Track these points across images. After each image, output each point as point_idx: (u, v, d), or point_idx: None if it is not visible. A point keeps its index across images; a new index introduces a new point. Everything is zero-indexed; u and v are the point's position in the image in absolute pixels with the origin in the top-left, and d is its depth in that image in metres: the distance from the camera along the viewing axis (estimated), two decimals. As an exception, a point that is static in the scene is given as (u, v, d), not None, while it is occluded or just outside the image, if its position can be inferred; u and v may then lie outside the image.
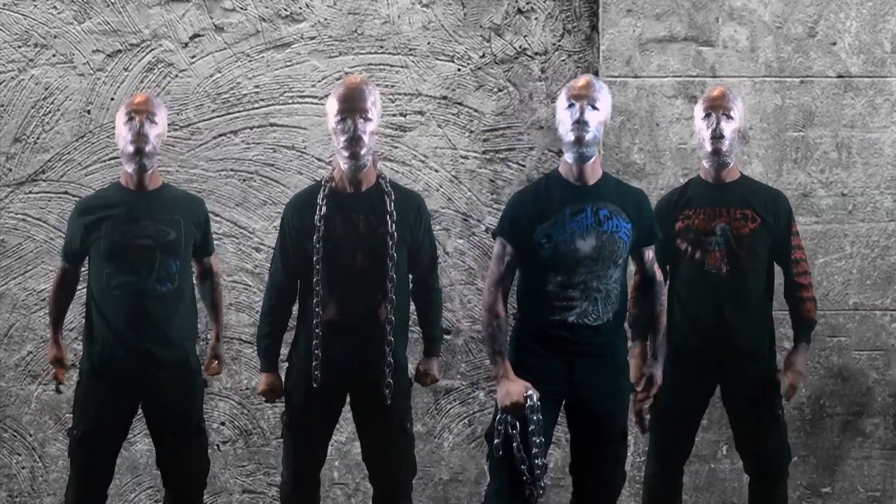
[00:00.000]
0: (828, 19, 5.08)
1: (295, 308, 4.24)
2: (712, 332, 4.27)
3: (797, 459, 5.10)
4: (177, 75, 5.26)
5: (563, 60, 5.27)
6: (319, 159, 5.25)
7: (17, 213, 5.28)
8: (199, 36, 5.27)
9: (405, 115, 5.28)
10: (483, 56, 5.27)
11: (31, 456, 5.30)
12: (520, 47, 5.27)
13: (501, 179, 5.27)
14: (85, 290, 4.29)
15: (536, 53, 5.27)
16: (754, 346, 4.31)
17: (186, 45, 5.26)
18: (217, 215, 5.19)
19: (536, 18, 5.26)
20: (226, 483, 5.31)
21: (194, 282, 4.37)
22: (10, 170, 5.27)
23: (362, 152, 4.03)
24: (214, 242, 4.63)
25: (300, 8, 5.26)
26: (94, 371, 4.17)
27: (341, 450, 5.23)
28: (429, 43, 5.27)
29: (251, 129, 5.28)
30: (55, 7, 5.25)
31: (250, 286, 5.24)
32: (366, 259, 4.06)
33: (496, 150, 5.28)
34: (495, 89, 5.28)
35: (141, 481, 5.29)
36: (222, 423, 5.30)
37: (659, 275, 4.06)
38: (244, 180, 5.29)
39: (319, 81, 5.26)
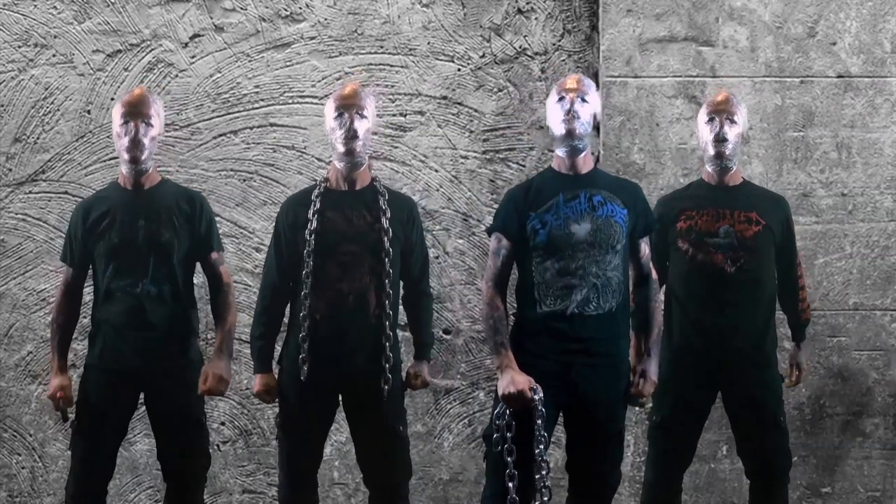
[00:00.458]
0: (828, 19, 5.08)
1: (288, 308, 4.24)
2: (714, 334, 4.26)
3: (797, 459, 5.09)
4: (177, 75, 5.26)
5: (563, 60, 5.27)
6: (319, 159, 5.25)
7: (17, 213, 5.28)
8: (199, 36, 5.27)
9: (405, 115, 5.28)
10: (483, 56, 5.27)
11: (31, 456, 5.30)
12: (520, 47, 5.27)
13: (501, 179, 5.27)
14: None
15: (536, 53, 5.27)
16: (756, 349, 4.31)
17: (186, 45, 5.26)
18: (217, 215, 5.15)
19: (536, 18, 5.26)
20: (226, 483, 5.31)
21: (203, 286, 4.37)
22: (10, 170, 5.27)
23: (358, 148, 4.08)
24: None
25: (300, 8, 5.26)
26: (97, 366, 4.19)
27: (341, 450, 5.23)
28: (429, 43, 5.27)
29: (251, 129, 5.28)
30: (55, 7, 5.25)
31: (250, 286, 5.24)
32: (361, 253, 4.08)
33: (496, 150, 5.28)
34: (495, 89, 5.28)
35: (141, 481, 5.29)
36: (222, 423, 5.30)
37: (654, 273, 4.03)
38: (244, 180, 5.29)
39: (319, 81, 5.26)
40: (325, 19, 5.27)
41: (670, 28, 5.10)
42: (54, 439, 5.28)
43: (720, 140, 4.26)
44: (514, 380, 3.72)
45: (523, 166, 5.26)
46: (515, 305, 3.97)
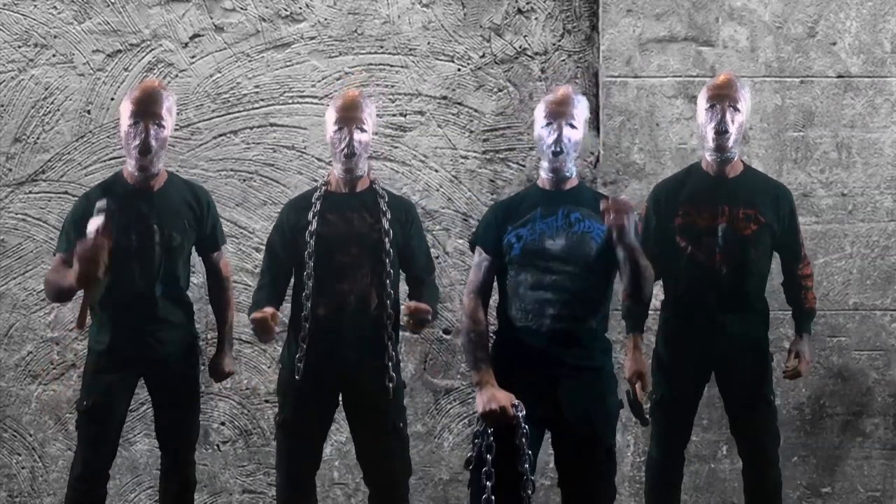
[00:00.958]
0: (828, 19, 5.08)
1: (289, 306, 4.25)
2: (708, 329, 4.27)
3: (797, 459, 5.10)
4: (177, 75, 5.26)
5: (563, 60, 5.27)
6: (319, 159, 5.25)
7: (17, 213, 5.28)
8: (199, 36, 5.27)
9: (405, 115, 5.28)
10: (483, 56, 5.27)
11: (31, 456, 5.30)
12: (520, 47, 5.27)
13: (501, 179, 5.27)
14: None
15: (536, 53, 5.27)
16: (750, 340, 4.32)
17: (186, 45, 5.26)
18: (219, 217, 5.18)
19: (536, 18, 5.26)
20: (226, 483, 5.31)
21: (203, 286, 4.39)
22: (10, 170, 5.27)
23: (358, 163, 4.14)
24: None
25: (300, 8, 5.26)
26: (104, 350, 4.20)
27: (341, 450, 5.23)
28: (429, 43, 5.27)
29: (251, 129, 5.28)
30: (55, 7, 5.25)
31: (250, 286, 5.23)
32: (361, 254, 4.10)
33: (496, 150, 5.28)
34: (495, 89, 5.28)
35: (141, 481, 5.29)
36: (222, 423, 5.30)
37: (644, 259, 3.74)
38: (244, 180, 5.29)
39: (319, 81, 5.26)
40: (325, 19, 5.27)
41: (670, 28, 5.10)
42: (54, 439, 5.28)
43: (721, 132, 4.17)
44: (494, 396, 3.63)
45: (523, 166, 5.26)
46: (496, 321, 3.91)
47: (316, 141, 5.25)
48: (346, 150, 4.08)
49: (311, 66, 5.27)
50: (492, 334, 3.87)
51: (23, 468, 5.31)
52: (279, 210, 4.33)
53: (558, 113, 3.78)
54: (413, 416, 5.00)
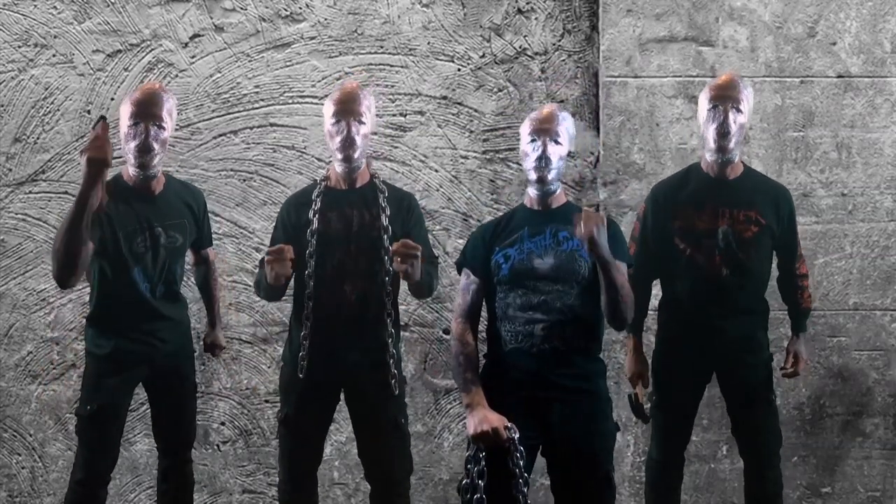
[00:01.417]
0: (828, 19, 5.08)
1: (288, 306, 4.26)
2: (708, 332, 4.27)
3: (797, 459, 5.10)
4: (177, 75, 5.26)
5: (563, 60, 5.27)
6: (319, 159, 5.25)
7: (17, 213, 5.28)
8: (199, 36, 5.27)
9: (405, 115, 5.28)
10: (483, 56, 5.27)
11: (31, 456, 5.30)
12: (520, 47, 5.27)
13: (501, 179, 5.27)
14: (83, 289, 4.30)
15: (536, 53, 5.27)
16: (750, 339, 4.32)
17: (186, 45, 5.26)
18: (217, 215, 5.19)
19: (536, 18, 5.26)
20: (226, 483, 5.31)
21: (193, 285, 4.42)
22: (10, 170, 5.27)
23: (355, 155, 4.11)
24: (215, 243, 4.65)
25: (300, 8, 5.26)
26: (105, 355, 4.20)
27: (341, 450, 5.23)
28: (429, 43, 5.27)
29: (251, 129, 5.28)
30: (55, 7, 5.25)
31: (250, 286, 5.24)
32: (362, 252, 4.11)
33: (496, 150, 5.28)
34: (495, 89, 5.27)
35: (141, 481, 5.29)
36: (222, 423, 5.30)
37: (622, 276, 3.69)
38: (244, 180, 5.29)
39: (319, 81, 5.26)
40: (325, 19, 5.27)
41: (670, 28, 5.10)
42: (54, 439, 5.28)
43: (723, 134, 4.16)
44: (486, 418, 3.55)
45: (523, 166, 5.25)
46: (486, 343, 3.86)
47: (316, 141, 5.25)
48: (343, 141, 4.07)
49: (311, 66, 5.27)
50: (482, 357, 3.81)
51: (23, 468, 5.31)
52: (279, 210, 4.33)
53: (542, 130, 3.78)
54: (413, 416, 5.00)
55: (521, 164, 5.23)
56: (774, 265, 4.43)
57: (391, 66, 5.26)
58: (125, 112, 4.10)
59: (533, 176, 3.79)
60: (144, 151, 4.07)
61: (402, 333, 4.39)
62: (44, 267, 5.23)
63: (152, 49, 5.26)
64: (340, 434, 5.14)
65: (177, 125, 5.16)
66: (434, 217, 5.24)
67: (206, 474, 5.27)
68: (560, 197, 3.86)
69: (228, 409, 5.30)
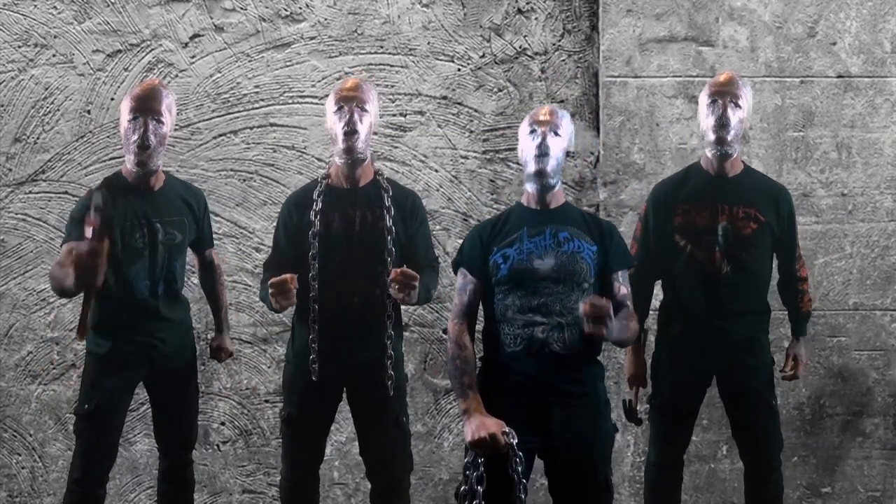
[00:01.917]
0: (828, 19, 5.08)
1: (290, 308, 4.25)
2: (709, 330, 4.26)
3: (797, 459, 5.10)
4: (177, 75, 5.26)
5: (563, 60, 5.27)
6: (319, 159, 5.25)
7: (17, 213, 5.28)
8: (199, 36, 5.27)
9: (405, 115, 5.28)
10: (483, 56, 5.27)
11: (31, 456, 5.30)
12: (520, 47, 5.27)
13: (501, 179, 5.27)
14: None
15: (536, 53, 5.27)
16: (751, 340, 4.31)
17: (186, 45, 5.26)
18: (217, 215, 5.19)
19: (536, 18, 5.26)
20: (226, 483, 5.31)
21: (195, 275, 4.42)
22: (10, 170, 5.27)
23: (358, 144, 4.03)
24: (215, 243, 4.64)
25: (300, 8, 5.26)
26: (104, 354, 4.19)
27: (341, 450, 5.23)
28: (429, 43, 5.27)
29: (251, 129, 5.28)
30: (55, 7, 5.25)
31: (250, 286, 5.24)
32: (364, 253, 4.08)
33: (496, 150, 5.28)
34: (495, 89, 5.27)
35: (141, 481, 5.29)
36: (222, 423, 5.30)
37: (630, 309, 3.70)
38: (244, 180, 5.29)
39: (319, 81, 5.26)
40: (325, 19, 5.27)
41: (670, 28, 5.10)
42: (54, 439, 5.28)
43: (722, 125, 4.15)
44: (483, 423, 3.47)
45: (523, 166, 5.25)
46: (482, 346, 3.81)
47: (316, 141, 5.25)
48: (346, 127, 3.99)
49: (311, 66, 5.26)
50: (478, 360, 3.76)
51: (23, 468, 5.31)
52: (279, 210, 4.33)
53: (542, 122, 3.71)
54: (413, 416, 4.99)
55: (520, 165, 5.25)
56: (775, 267, 4.43)
57: (391, 66, 5.26)
58: (125, 107, 4.09)
59: (532, 168, 3.69)
60: (144, 146, 4.05)
61: (403, 333, 4.37)
62: (44, 267, 5.23)
63: (152, 49, 5.26)
64: (340, 434, 5.14)
65: (177, 125, 5.16)
66: (434, 217, 5.23)
67: (206, 474, 5.27)
68: (559, 196, 3.78)
69: (228, 409, 5.30)
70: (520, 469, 3.48)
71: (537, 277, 3.63)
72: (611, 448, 3.76)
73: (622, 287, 3.74)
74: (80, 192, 5.15)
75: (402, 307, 4.31)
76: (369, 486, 4.27)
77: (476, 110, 5.27)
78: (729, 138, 4.18)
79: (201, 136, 5.28)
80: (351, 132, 4.01)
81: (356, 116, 4.01)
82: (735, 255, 4.23)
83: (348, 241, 4.08)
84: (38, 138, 5.26)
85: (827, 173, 5.10)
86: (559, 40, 5.27)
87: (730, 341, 4.26)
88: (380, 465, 4.18)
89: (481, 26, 5.27)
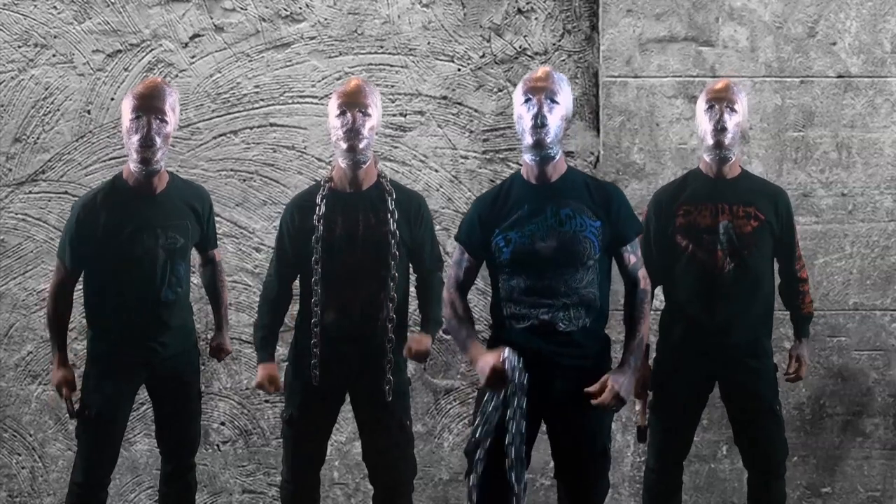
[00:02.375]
0: (828, 19, 5.08)
1: (294, 308, 4.25)
2: (712, 330, 4.26)
3: (797, 459, 5.10)
4: (177, 75, 5.26)
5: (563, 60, 5.27)
6: (319, 159, 5.25)
7: (17, 213, 5.28)
8: (199, 36, 5.27)
9: (405, 115, 5.28)
10: (483, 56, 5.27)
11: (31, 456, 5.30)
12: (520, 47, 5.27)
13: (501, 179, 5.25)
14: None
15: (536, 53, 5.27)
16: (754, 343, 4.31)
17: (186, 45, 5.26)
18: (217, 215, 5.16)
19: (536, 18, 5.26)
20: (226, 483, 5.31)
21: (196, 270, 4.41)
22: (10, 170, 5.27)
23: (360, 146, 4.01)
24: (214, 242, 4.65)
25: (300, 8, 5.26)
26: (103, 358, 4.18)
27: (341, 450, 5.23)
28: (429, 43, 5.27)
29: (251, 129, 5.28)
30: (55, 7, 5.25)
31: (250, 286, 5.25)
32: (367, 258, 4.06)
33: (496, 150, 5.28)
34: (495, 89, 5.27)
35: (141, 481, 5.29)
36: (222, 423, 5.30)
37: (644, 282, 3.74)
38: (244, 180, 5.29)
39: (319, 81, 5.26)
40: (325, 19, 5.27)
41: (670, 28, 5.10)
42: (54, 439, 5.28)
43: (720, 129, 4.20)
44: (486, 361, 3.55)
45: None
46: (490, 322, 3.87)
47: (316, 141, 5.25)
48: (348, 130, 3.97)
49: (311, 66, 5.26)
50: (484, 336, 3.81)
51: (23, 468, 5.31)
52: (279, 210, 4.33)
53: (537, 89, 3.59)
54: (413, 416, 4.98)
55: (521, 164, 5.25)
56: (776, 271, 4.43)
57: (391, 66, 5.26)
58: (127, 106, 4.03)
59: (529, 140, 3.58)
60: (147, 145, 3.99)
61: (405, 336, 4.36)
62: (44, 267, 5.23)
63: (152, 49, 5.26)
64: (340, 434, 5.14)
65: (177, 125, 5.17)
66: (434, 217, 5.22)
67: (206, 474, 5.27)
68: (560, 165, 3.69)
69: (228, 409, 5.30)
70: (518, 397, 3.55)
71: (540, 260, 3.60)
72: (611, 421, 3.81)
73: (632, 256, 3.73)
74: (80, 193, 5.14)
75: (409, 309, 4.30)
76: (369, 486, 4.27)
77: (476, 110, 5.27)
78: (727, 142, 4.23)
79: (201, 136, 5.28)
80: (354, 135, 3.99)
81: (359, 121, 3.99)
82: (737, 253, 4.24)
83: (351, 246, 4.06)
84: (38, 138, 5.27)
85: (827, 173, 5.10)
86: (559, 40, 5.27)
87: (732, 343, 4.26)
88: (383, 469, 4.17)
89: (481, 26, 5.27)
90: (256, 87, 5.27)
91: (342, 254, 4.05)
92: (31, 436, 5.30)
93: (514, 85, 5.24)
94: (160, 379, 4.25)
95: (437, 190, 5.27)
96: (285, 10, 5.26)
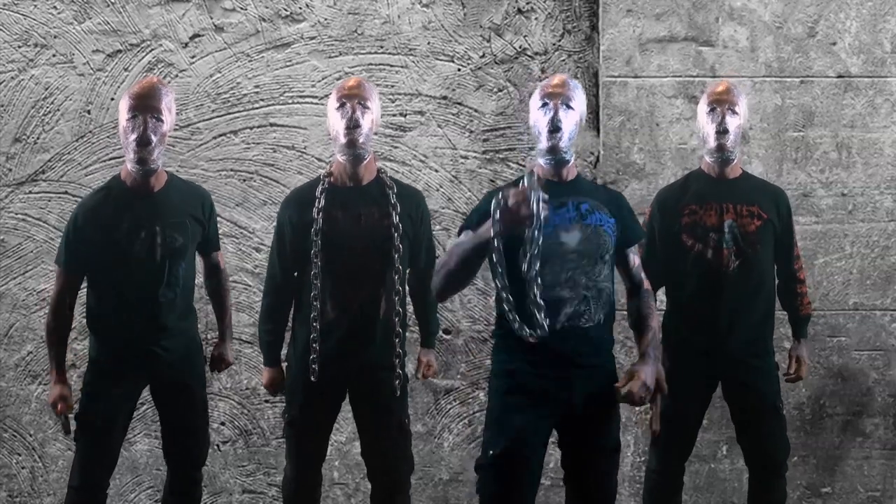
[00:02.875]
0: (828, 19, 5.08)
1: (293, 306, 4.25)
2: (717, 328, 4.27)
3: (797, 459, 5.10)
4: (177, 75, 5.26)
5: (563, 60, 5.27)
6: (319, 159, 5.25)
7: (17, 213, 5.28)
8: (199, 36, 5.27)
9: (405, 115, 5.28)
10: (483, 56, 5.27)
11: (31, 456, 5.30)
12: (520, 47, 5.27)
13: (501, 179, 5.27)
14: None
15: (536, 53, 5.27)
16: (756, 341, 4.33)
17: (186, 45, 5.26)
18: (217, 215, 5.17)
19: (536, 18, 5.26)
20: (226, 483, 5.31)
21: (201, 279, 4.39)
22: (10, 170, 5.27)
23: (360, 139, 4.00)
24: (215, 242, 4.64)
25: (300, 8, 5.26)
26: (103, 362, 4.16)
27: (341, 450, 5.23)
28: (429, 43, 5.27)
29: (251, 129, 5.28)
30: (55, 7, 5.25)
31: (250, 286, 5.25)
32: (369, 252, 4.06)
33: (496, 150, 5.28)
34: (495, 89, 5.28)
35: (141, 481, 5.29)
36: (222, 423, 5.30)
37: (646, 283, 3.81)
38: (244, 180, 5.29)
39: (319, 81, 5.26)
40: (325, 19, 5.27)
41: (670, 28, 5.10)
42: (54, 439, 5.28)
43: (722, 132, 4.24)
44: (505, 195, 3.39)
45: (523, 166, 5.25)
46: (496, 319, 3.79)
47: (316, 141, 5.25)
48: (347, 122, 3.97)
49: (311, 66, 5.27)
50: (490, 337, 3.78)
51: (23, 468, 5.31)
52: (279, 209, 4.31)
53: (554, 94, 3.67)
54: (413, 416, 4.99)
55: (521, 164, 5.25)
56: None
57: (391, 66, 5.26)
58: (123, 106, 4.02)
59: (544, 144, 3.66)
60: (143, 144, 3.97)
61: (406, 334, 4.37)
62: (44, 267, 5.23)
63: (152, 49, 5.26)
64: (340, 434, 5.14)
65: (177, 125, 5.16)
66: (434, 217, 5.23)
67: (207, 474, 5.25)
68: (572, 169, 3.75)
69: (228, 409, 5.30)
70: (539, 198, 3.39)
71: (565, 251, 3.60)
72: (619, 416, 3.79)
73: (636, 258, 3.81)
74: (80, 192, 5.15)
75: (408, 308, 4.30)
76: (369, 485, 4.27)
77: (476, 110, 5.27)
78: (729, 145, 4.27)
79: (201, 136, 5.28)
80: (353, 126, 3.98)
81: (358, 113, 3.99)
82: (742, 252, 4.28)
83: (353, 240, 4.05)
84: (38, 138, 5.27)
85: (827, 173, 5.10)
86: (559, 40, 5.27)
87: (735, 341, 4.27)
88: (382, 467, 4.18)
89: (481, 26, 5.27)
90: (256, 87, 5.27)
91: (343, 248, 4.04)
92: (31, 436, 5.30)
93: (514, 85, 5.26)
94: (162, 385, 4.22)
95: (437, 190, 5.27)
96: (285, 10, 5.26)
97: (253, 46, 5.27)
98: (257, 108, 5.28)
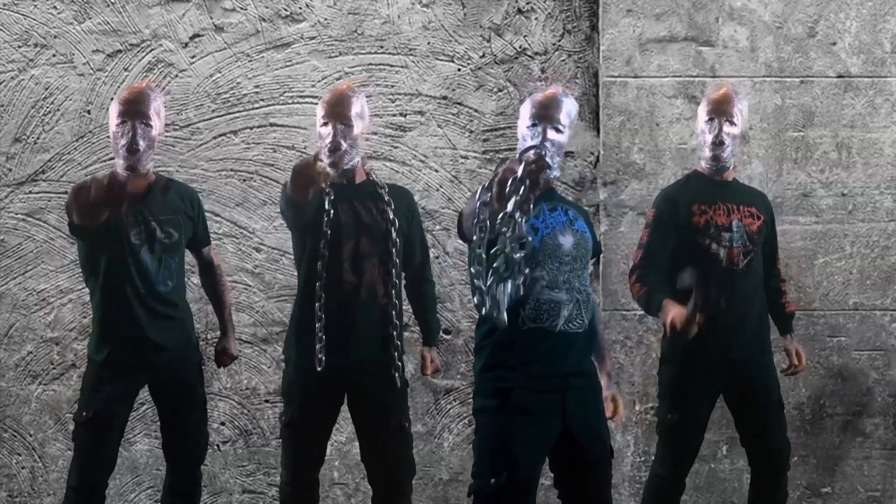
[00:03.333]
0: (828, 19, 5.08)
1: (288, 306, 4.25)
2: (725, 327, 4.26)
3: (797, 459, 5.10)
4: (177, 75, 5.26)
5: (563, 60, 5.27)
6: (319, 159, 5.24)
7: (17, 213, 5.28)
8: (199, 36, 5.27)
9: (405, 115, 5.28)
10: (483, 56, 5.27)
11: (31, 456, 5.30)
12: (520, 47, 5.27)
13: (501, 179, 5.26)
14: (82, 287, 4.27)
15: (536, 53, 5.27)
16: (759, 338, 4.35)
17: (186, 45, 5.26)
18: (217, 215, 5.19)
19: (536, 18, 5.26)
20: (226, 483, 5.31)
21: (196, 275, 4.39)
22: (10, 170, 5.27)
23: (343, 161, 4.06)
24: (214, 242, 4.64)
25: (300, 8, 5.26)
26: (103, 360, 4.16)
27: (341, 450, 5.23)
28: (429, 43, 5.27)
29: (251, 129, 5.28)
30: (55, 7, 5.25)
31: (250, 286, 5.25)
32: (371, 246, 4.09)
33: (496, 150, 5.28)
34: (495, 89, 5.27)
35: (141, 481, 5.29)
36: (222, 423, 5.30)
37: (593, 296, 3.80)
38: (244, 180, 5.29)
39: (319, 81, 5.26)
40: (325, 19, 5.27)
41: (670, 28, 5.10)
42: (54, 439, 5.28)
43: (718, 143, 4.29)
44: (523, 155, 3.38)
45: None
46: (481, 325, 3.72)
47: (316, 141, 5.24)
48: (329, 145, 4.03)
49: (311, 66, 5.26)
50: (481, 340, 3.68)
51: (23, 468, 5.31)
52: (279, 210, 4.31)
53: (543, 116, 3.65)
54: (413, 416, 4.98)
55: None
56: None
57: (391, 66, 5.26)
58: (113, 111, 4.10)
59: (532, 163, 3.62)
60: (132, 150, 4.04)
61: (403, 333, 4.37)
62: (44, 267, 5.23)
63: (152, 49, 5.26)
64: (340, 434, 5.14)
65: (177, 125, 5.18)
66: (434, 217, 5.24)
67: (206, 474, 5.25)
68: (554, 182, 3.75)
69: (228, 409, 5.30)
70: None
71: (562, 254, 3.62)
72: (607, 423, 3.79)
73: (592, 269, 3.89)
74: (80, 192, 5.15)
75: (404, 305, 4.30)
76: (369, 486, 4.26)
77: (476, 110, 5.27)
78: (724, 155, 4.32)
79: (201, 136, 5.28)
80: (334, 149, 4.05)
81: (339, 136, 4.03)
82: (748, 251, 4.31)
83: (356, 233, 4.10)
84: (38, 138, 5.27)
85: (827, 173, 5.10)
86: (559, 40, 5.27)
87: (743, 338, 4.28)
88: (383, 470, 4.17)
89: (481, 26, 5.27)
90: (256, 87, 5.27)
91: (347, 241, 4.09)
92: (31, 436, 5.30)
93: (514, 85, 5.25)
94: (159, 383, 4.22)
95: (437, 190, 5.27)
96: (285, 10, 5.26)
97: (253, 46, 5.27)
98: (257, 108, 5.28)
